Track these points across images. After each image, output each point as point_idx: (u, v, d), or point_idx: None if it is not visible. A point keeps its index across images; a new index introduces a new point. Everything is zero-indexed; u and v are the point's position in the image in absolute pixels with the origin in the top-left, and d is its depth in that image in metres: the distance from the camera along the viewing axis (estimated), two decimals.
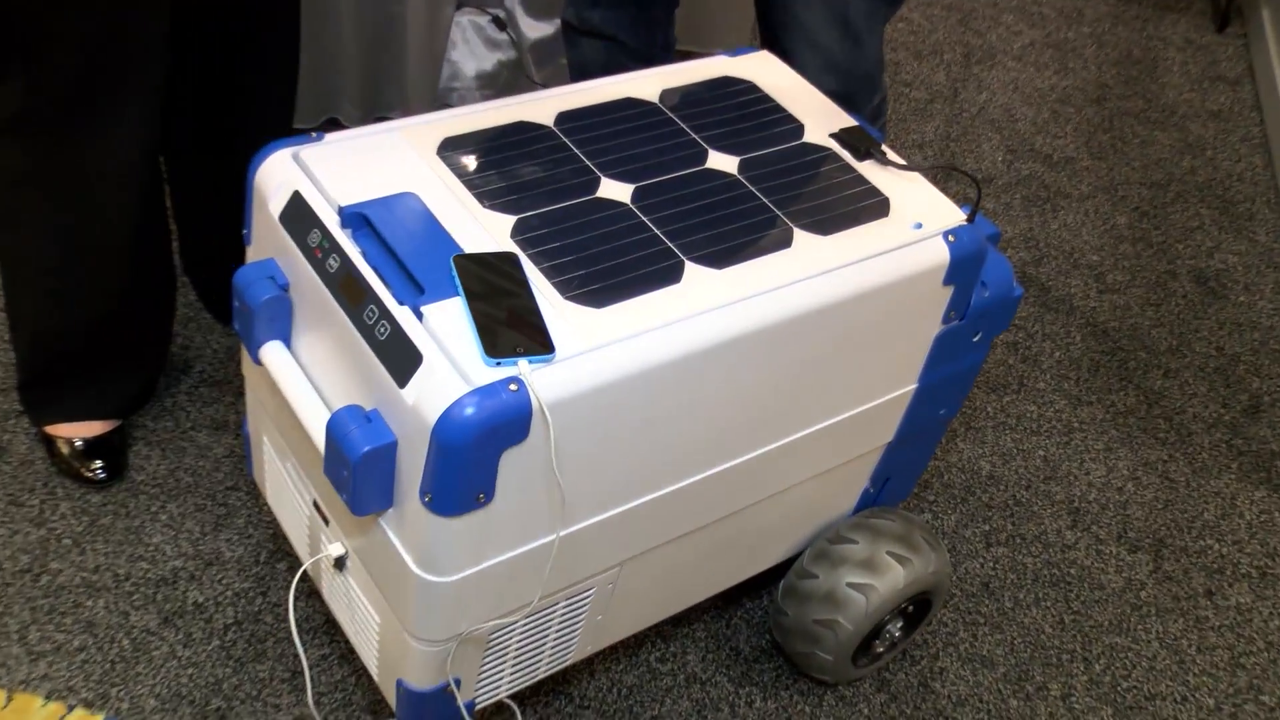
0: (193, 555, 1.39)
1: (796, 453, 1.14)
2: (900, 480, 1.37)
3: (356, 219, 0.95)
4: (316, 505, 1.08)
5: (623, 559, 1.07)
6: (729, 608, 1.45)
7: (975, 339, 1.21)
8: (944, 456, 1.70)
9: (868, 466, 1.30)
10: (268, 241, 1.01)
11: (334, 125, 2.05)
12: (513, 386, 0.84)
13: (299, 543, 1.17)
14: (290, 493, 1.14)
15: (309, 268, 0.95)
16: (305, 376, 0.99)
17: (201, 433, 1.52)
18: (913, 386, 1.20)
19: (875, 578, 1.26)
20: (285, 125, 1.48)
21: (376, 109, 2.05)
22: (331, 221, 0.95)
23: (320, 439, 0.93)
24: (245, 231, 1.06)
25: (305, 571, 1.15)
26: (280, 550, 1.41)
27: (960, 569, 1.54)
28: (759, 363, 1.00)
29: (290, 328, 1.02)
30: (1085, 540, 1.61)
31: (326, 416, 0.95)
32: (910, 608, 1.35)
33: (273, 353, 1.01)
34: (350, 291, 0.91)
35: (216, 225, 1.53)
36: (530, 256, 0.95)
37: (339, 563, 1.07)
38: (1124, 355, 1.93)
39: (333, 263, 0.93)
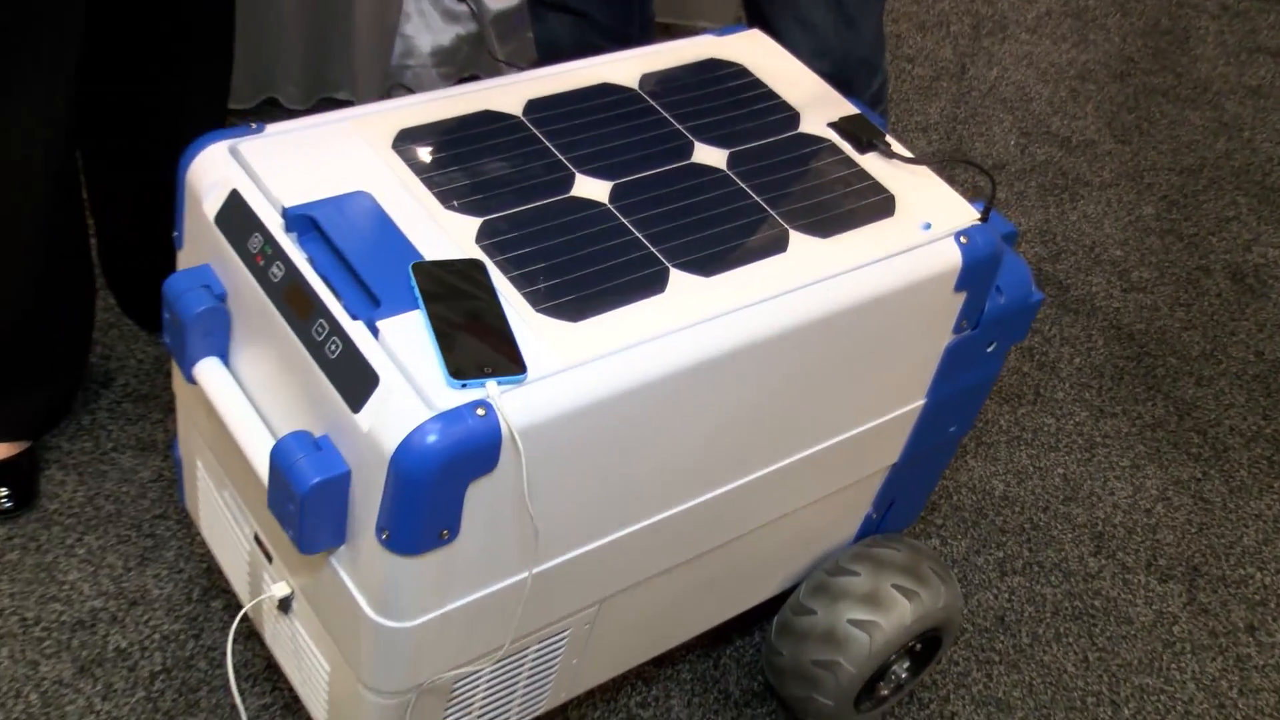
0: (114, 594, 1.39)
1: (793, 477, 1.15)
2: (906, 504, 1.39)
3: (302, 221, 0.95)
4: (258, 539, 1.08)
5: (601, 597, 1.08)
6: (717, 646, 1.46)
7: (989, 349, 1.23)
8: (953, 476, 1.71)
9: (870, 490, 1.31)
10: (202, 246, 1.01)
11: (273, 108, 2.05)
12: (480, 411, 0.84)
13: (238, 581, 1.17)
14: (228, 525, 1.14)
15: (249, 276, 0.95)
16: (245, 397, 0.99)
17: (125, 454, 1.52)
18: (921, 402, 1.21)
19: (879, 614, 1.27)
20: (219, 106, 1.47)
21: (321, 89, 2.05)
22: (274, 224, 0.95)
23: (263, 468, 0.94)
24: (176, 234, 1.06)
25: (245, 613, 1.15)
26: (215, 587, 1.41)
27: (972, 601, 1.56)
28: (752, 380, 1.01)
29: (228, 342, 1.02)
30: (1110, 568, 1.63)
31: (270, 443, 0.95)
32: (918, 646, 1.37)
33: (208, 371, 1.01)
34: (296, 303, 0.91)
35: (138, 220, 1.53)
36: (498, 263, 0.96)
37: (284, 604, 1.07)
38: (1151, 361, 1.95)
39: (276, 271, 0.93)
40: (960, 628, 1.48)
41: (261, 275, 0.94)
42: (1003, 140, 2.34)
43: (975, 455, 1.75)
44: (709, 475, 1.06)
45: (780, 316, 1.00)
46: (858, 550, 1.32)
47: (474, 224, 0.99)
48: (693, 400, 0.97)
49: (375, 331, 0.89)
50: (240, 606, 1.08)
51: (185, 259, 1.05)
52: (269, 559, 1.07)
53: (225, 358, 1.02)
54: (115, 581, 1.40)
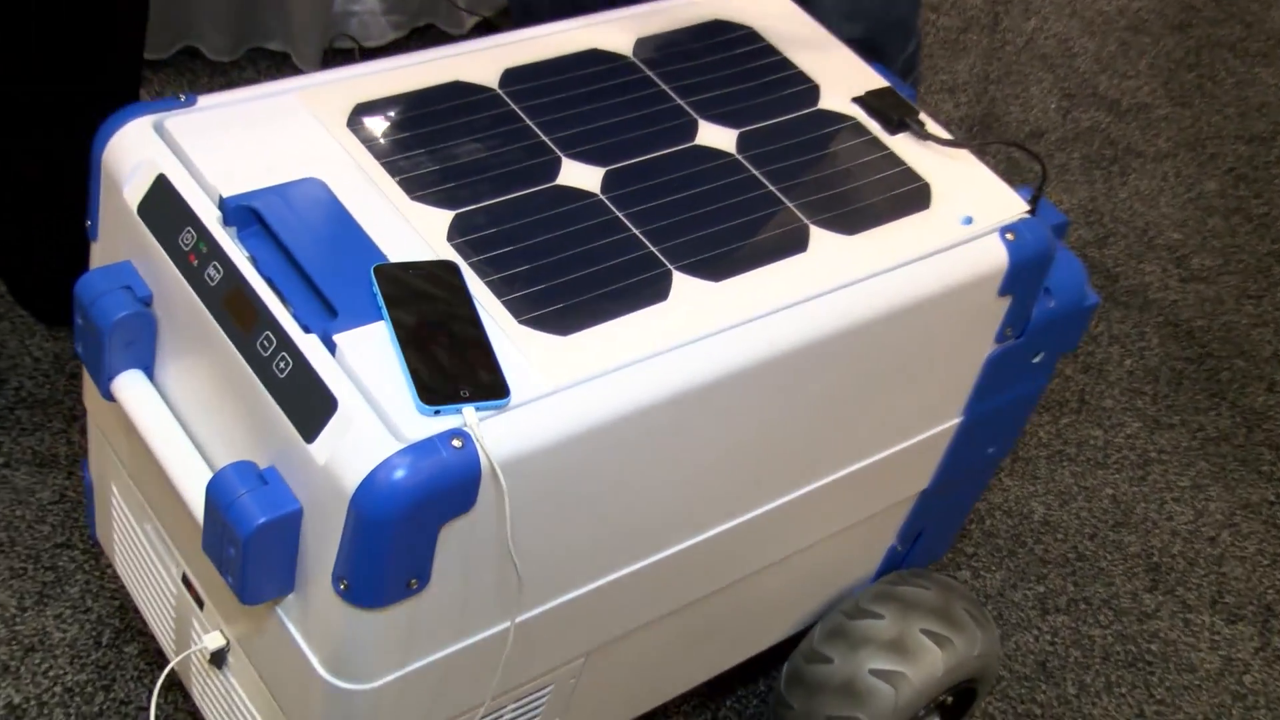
0: (6, 639, 1.38)
1: (811, 509, 1.15)
2: (935, 535, 1.40)
3: (243, 214, 0.95)
4: (187, 582, 1.08)
5: (589, 648, 1.09)
6: (717, 698, 1.47)
7: (1036, 360, 1.24)
8: (986, 497, 1.73)
9: (896, 520, 1.32)
10: (122, 240, 1.01)
11: (193, 59, 2.03)
12: (456, 442, 0.84)
13: (160, 627, 1.17)
14: (150, 563, 1.14)
15: (180, 278, 0.95)
16: (175, 419, 0.98)
17: (20, 471, 1.51)
18: (956, 421, 1.22)
19: (906, 663, 1.28)
20: (132, 58, 1.46)
21: (250, 37, 2.04)
22: (210, 217, 0.95)
23: (197, 504, 0.93)
24: (89, 224, 1.05)
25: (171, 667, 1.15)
26: (130, 628, 1.40)
27: (1009, 644, 1.57)
28: (767, 401, 1.01)
29: (153, 353, 1.01)
30: (1169, 606, 1.65)
31: (206, 475, 0.94)
32: (949, 699, 1.38)
33: (131, 386, 1.00)
34: (238, 312, 0.91)
35: (33, 195, 1.51)
36: (474, 265, 0.96)
37: (216, 658, 1.07)
38: (1215, 363, 1.97)
39: (213, 273, 0.93)
40: (997, 676, 1.50)
41: (195, 277, 0.94)
42: (1041, 103, 2.35)
43: (1011, 473, 1.76)
44: (716, 508, 1.07)
45: (799, 327, 1.00)
46: (880, 589, 1.33)
47: (445, 218, 0.99)
48: (700, 425, 0.98)
49: (332, 347, 0.89)
50: (161, 653, 1.08)
51: (102, 254, 1.05)
52: (200, 604, 1.07)
53: (150, 371, 1.02)
54: (8, 624, 1.39)
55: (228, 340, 0.92)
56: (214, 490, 0.89)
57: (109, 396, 1.02)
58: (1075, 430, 1.84)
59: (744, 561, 1.15)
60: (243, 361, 0.91)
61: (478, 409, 0.86)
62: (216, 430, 0.96)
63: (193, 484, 0.95)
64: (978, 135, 2.26)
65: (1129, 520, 1.74)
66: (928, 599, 1.32)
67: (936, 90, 2.32)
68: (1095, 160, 2.26)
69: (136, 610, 1.41)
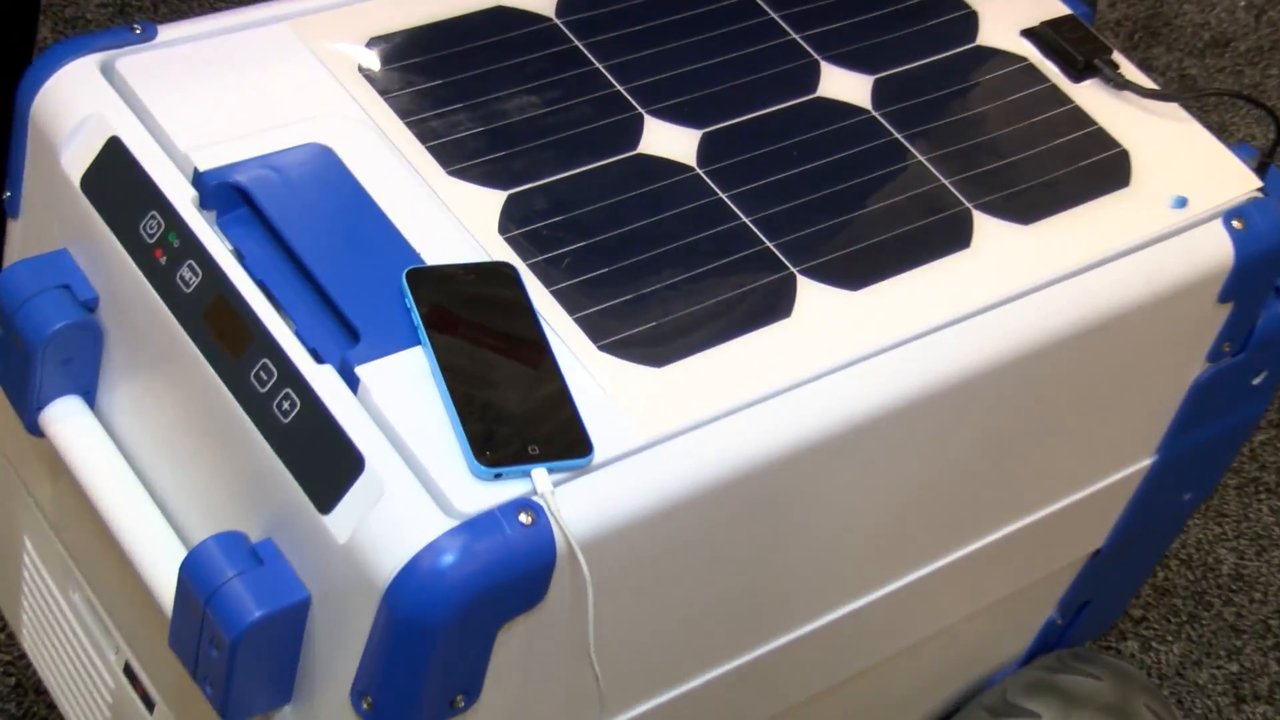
0: None
1: (957, 580, 1.16)
2: (1105, 605, 1.40)
3: (228, 194, 0.94)
4: (131, 674, 1.08)
5: None
6: None
7: (1256, 382, 1.24)
8: None
9: (1058, 587, 1.32)
10: (57, 221, 1.00)
11: None
12: (524, 517, 0.84)
13: None
14: (75, 644, 1.14)
15: (142, 280, 0.94)
16: (129, 467, 0.98)
17: None
18: (1147, 462, 1.23)
19: None
20: None
21: None
22: (182, 196, 0.94)
23: (163, 586, 0.93)
24: (8, 195, 1.05)
25: None
26: (30, 715, 1.40)
27: None
28: (916, 447, 1.01)
29: (97, 375, 1.01)
30: None
31: (175, 547, 0.94)
32: None
33: (66, 419, 1.00)
34: (224, 330, 0.91)
35: None
36: (535, 268, 0.95)
37: None
38: None
39: (189, 275, 0.93)
40: None
41: (163, 280, 0.93)
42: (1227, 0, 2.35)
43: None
44: (844, 585, 1.07)
45: (962, 352, 1.00)
46: (1035, 676, 1.34)
47: (495, 201, 0.98)
48: (832, 481, 0.98)
49: (353, 382, 0.88)
50: None
51: (27, 237, 1.05)
52: (149, 706, 1.07)
53: (92, 398, 1.01)
54: None
55: (209, 367, 0.91)
56: (192, 570, 0.89)
57: (35, 430, 1.01)
58: (1274, 453, 1.84)
59: (870, 649, 1.16)
60: (230, 397, 0.90)
61: (551, 470, 0.86)
62: (189, 486, 0.96)
63: (156, 558, 0.94)
64: (1140, 44, 2.25)
65: None
66: (1099, 693, 1.33)
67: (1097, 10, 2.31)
68: None
69: (43, 693, 1.41)
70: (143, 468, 0.99)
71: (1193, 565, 1.72)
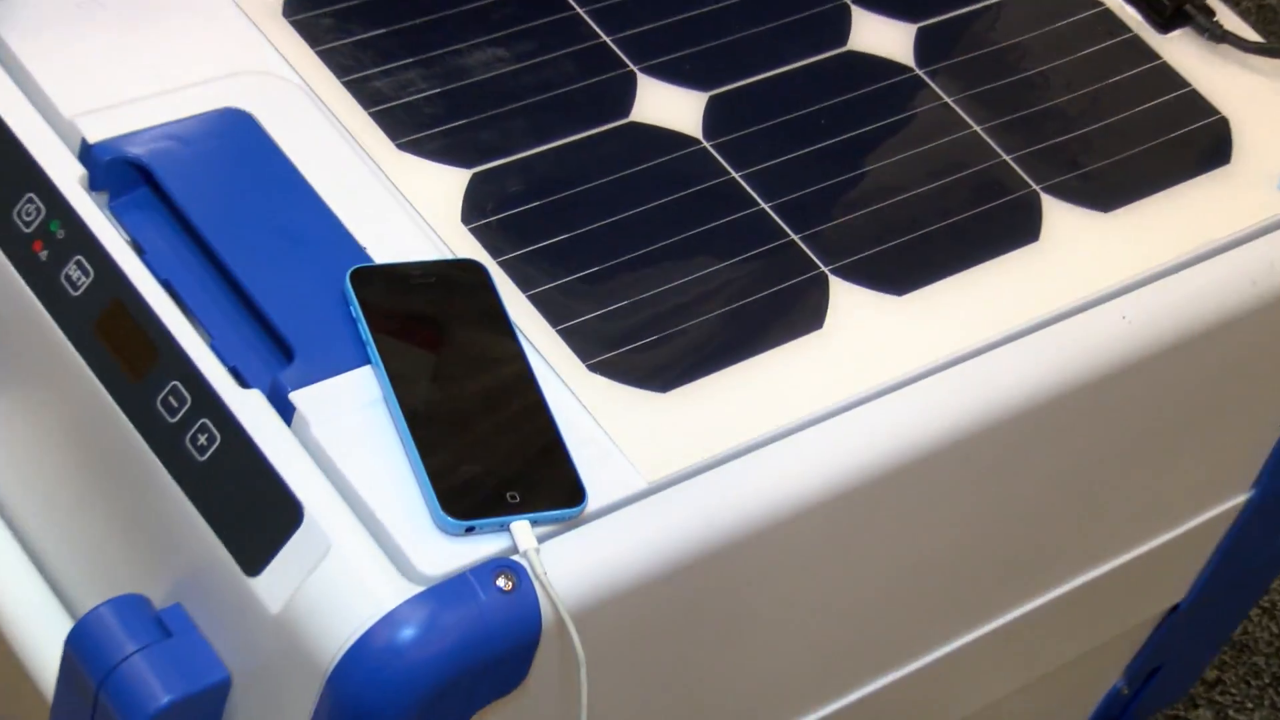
0: None
1: (1013, 645, 1.17)
2: (1179, 669, 1.42)
3: (123, 172, 0.95)
4: None
5: None
6: None
7: None
8: None
9: (1126, 651, 1.34)
10: None
11: None
12: (503, 581, 0.84)
13: None
14: None
15: (16, 279, 0.94)
16: None
17: None
18: (1242, 498, 1.24)
19: None
20: None
21: None
22: (67, 175, 0.94)
23: (41, 664, 0.93)
24: None
25: None
26: None
27: None
28: (973, 488, 1.02)
29: None
30: None
31: (57, 614, 0.95)
32: None
33: None
34: (122, 343, 0.91)
35: None
36: (508, 267, 0.96)
37: None
38: None
39: (77, 273, 0.92)
40: None
41: (46, 281, 0.93)
42: None
43: None
44: (882, 652, 1.08)
45: (1030, 370, 1.01)
46: None
47: (457, 181, 0.98)
48: (872, 528, 0.99)
49: (287, 412, 0.88)
50: None
51: None
52: None
53: None
54: None
55: (103, 390, 0.91)
56: (81, 644, 0.89)
57: None
58: None
59: None
60: (130, 428, 0.90)
61: (534, 523, 0.86)
62: (76, 540, 0.96)
63: (30, 627, 0.94)
64: None
65: None
66: None
67: None
68: None
69: None
70: (15, 517, 0.99)
71: (1276, 616, 1.74)
